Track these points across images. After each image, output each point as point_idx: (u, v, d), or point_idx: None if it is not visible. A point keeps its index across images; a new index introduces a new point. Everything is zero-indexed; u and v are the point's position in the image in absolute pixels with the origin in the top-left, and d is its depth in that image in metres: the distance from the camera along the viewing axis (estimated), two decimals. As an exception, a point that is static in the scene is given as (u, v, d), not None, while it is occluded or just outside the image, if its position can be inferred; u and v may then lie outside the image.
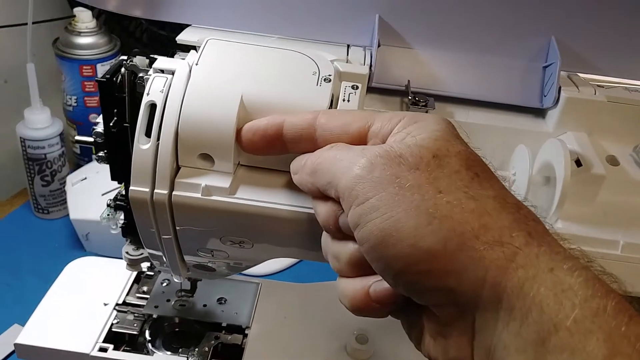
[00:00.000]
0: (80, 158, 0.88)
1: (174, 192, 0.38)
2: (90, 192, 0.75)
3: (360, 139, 0.32)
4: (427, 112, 0.42)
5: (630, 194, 0.41)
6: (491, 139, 0.43)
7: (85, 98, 0.84)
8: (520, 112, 0.45)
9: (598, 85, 0.45)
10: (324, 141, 0.33)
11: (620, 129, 0.44)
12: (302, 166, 0.34)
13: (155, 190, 0.37)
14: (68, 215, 0.77)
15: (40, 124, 0.76)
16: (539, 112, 0.45)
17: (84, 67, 0.81)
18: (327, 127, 0.33)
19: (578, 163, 0.40)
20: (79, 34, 0.81)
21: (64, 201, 0.80)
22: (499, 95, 0.44)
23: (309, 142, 0.34)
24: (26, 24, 0.74)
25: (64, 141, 0.80)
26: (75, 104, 0.84)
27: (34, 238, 0.80)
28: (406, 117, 0.31)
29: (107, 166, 0.44)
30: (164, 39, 0.83)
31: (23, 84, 0.76)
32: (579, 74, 0.46)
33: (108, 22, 0.86)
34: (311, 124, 0.34)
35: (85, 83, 0.83)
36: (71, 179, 0.79)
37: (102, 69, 0.82)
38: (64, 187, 0.80)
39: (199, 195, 0.38)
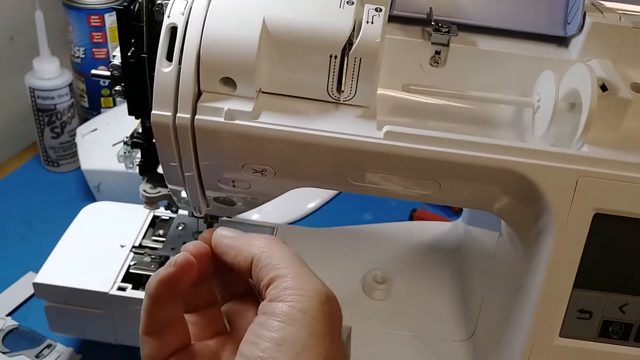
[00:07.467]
0: (88, 112, 0.88)
1: (196, 116, 0.37)
2: (101, 143, 0.75)
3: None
4: (449, 39, 0.42)
5: (656, 120, 0.41)
6: (514, 67, 0.43)
7: (93, 49, 0.83)
8: (544, 42, 0.44)
9: (623, 13, 0.44)
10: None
11: (646, 56, 0.43)
12: None
13: (178, 114, 0.37)
14: (78, 168, 0.77)
15: (50, 73, 0.75)
16: (562, 41, 0.44)
17: (92, 17, 0.80)
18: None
19: (604, 88, 0.39)
20: (87, -17, 0.80)
21: (74, 154, 0.80)
22: (522, 23, 0.43)
23: None
24: (31, -27, 0.73)
25: (73, 93, 0.79)
26: (83, 56, 0.84)
27: (45, 191, 0.80)
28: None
29: (118, 117, 0.44)
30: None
31: (28, 41, 0.75)
32: (603, 2, 0.45)
33: (115, -28, 0.85)
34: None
35: (93, 34, 0.82)
36: (81, 130, 0.78)
37: (110, 19, 0.81)
38: (73, 139, 0.79)
39: (222, 119, 0.37)
